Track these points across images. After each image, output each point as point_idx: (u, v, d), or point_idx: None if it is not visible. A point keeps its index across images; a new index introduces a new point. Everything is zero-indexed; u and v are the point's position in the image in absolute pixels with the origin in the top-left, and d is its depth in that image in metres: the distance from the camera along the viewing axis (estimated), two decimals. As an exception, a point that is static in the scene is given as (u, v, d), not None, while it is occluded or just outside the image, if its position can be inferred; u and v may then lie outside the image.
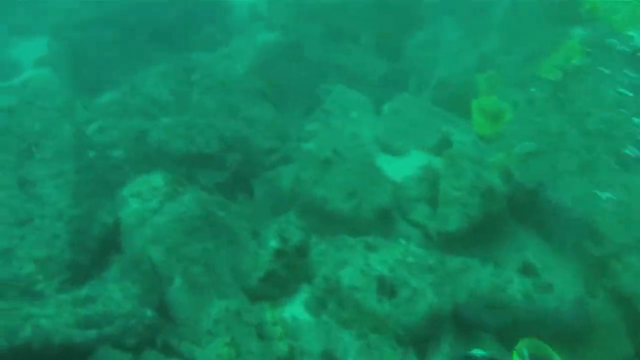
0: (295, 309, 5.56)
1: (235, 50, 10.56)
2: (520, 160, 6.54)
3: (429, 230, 6.27)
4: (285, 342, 5.19)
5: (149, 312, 5.54)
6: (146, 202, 6.57)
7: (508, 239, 6.08)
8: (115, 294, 5.62)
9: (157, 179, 6.90)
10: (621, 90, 6.31)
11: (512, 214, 6.28)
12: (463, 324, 5.41)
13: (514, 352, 3.60)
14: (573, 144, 6.40)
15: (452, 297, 5.37)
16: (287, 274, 5.80)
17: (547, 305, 5.21)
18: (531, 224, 6.25)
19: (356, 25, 10.05)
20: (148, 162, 7.72)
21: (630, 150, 5.83)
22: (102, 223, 6.62)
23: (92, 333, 5.07)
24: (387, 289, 5.26)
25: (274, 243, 5.90)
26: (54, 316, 5.03)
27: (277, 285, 5.72)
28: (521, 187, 6.27)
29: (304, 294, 5.67)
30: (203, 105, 8.77)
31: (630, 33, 6.63)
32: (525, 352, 3.55)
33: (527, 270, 5.67)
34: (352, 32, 10.09)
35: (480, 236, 5.97)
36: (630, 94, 6.15)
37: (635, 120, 5.95)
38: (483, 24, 8.73)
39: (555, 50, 7.34)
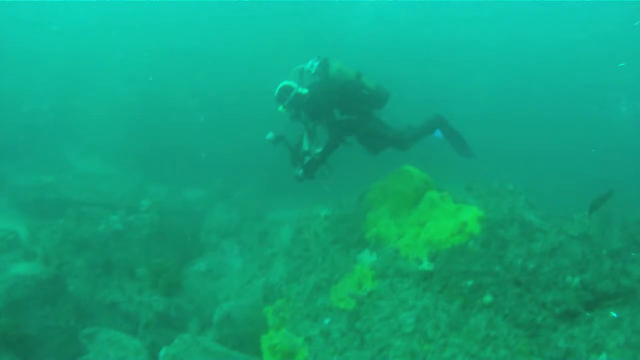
0: None
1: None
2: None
3: None
4: None
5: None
6: None
7: None
8: None
9: None
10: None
11: None
12: None
13: None
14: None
15: None
16: None
17: None
18: None
19: (130, 257, 8.82)
20: None
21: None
22: None
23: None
24: None
25: None
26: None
27: None
28: None
29: None
30: None
31: (418, 256, 6.33)
32: None
33: None
34: (125, 265, 8.73)
35: None
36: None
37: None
38: (268, 251, 8.13)
39: (346, 277, 6.72)
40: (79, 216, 10.01)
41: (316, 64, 7.15)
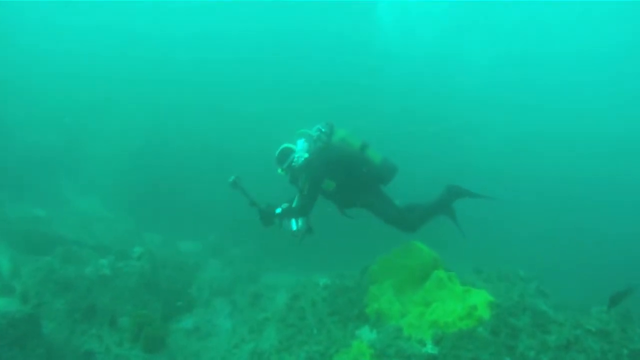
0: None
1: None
2: None
3: None
4: None
5: None
6: None
7: None
8: None
9: None
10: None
11: None
12: None
13: None
14: None
15: None
16: None
17: None
18: None
19: (114, 305, 8.33)
20: None
21: None
22: None
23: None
24: None
25: None
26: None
27: None
28: None
29: None
30: None
31: (422, 337, 5.92)
32: None
33: None
34: (108, 312, 8.23)
35: None
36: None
37: None
38: (261, 315, 7.68)
39: (342, 353, 6.29)
40: (66, 255, 9.60)
41: (322, 129, 6.97)
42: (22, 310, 7.93)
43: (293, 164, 6.93)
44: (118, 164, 14.79)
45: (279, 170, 7.05)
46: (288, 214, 6.84)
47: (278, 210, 6.83)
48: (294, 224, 6.96)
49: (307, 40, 25.44)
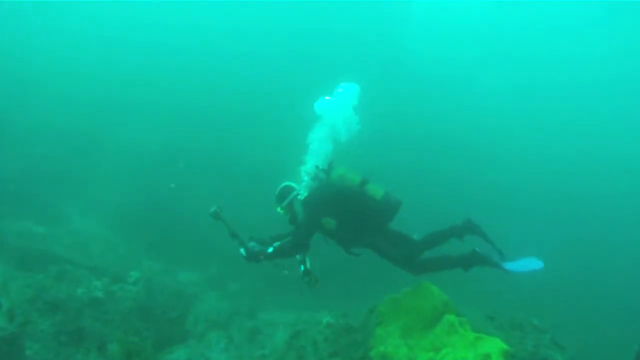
0: None
1: None
2: None
3: None
4: None
5: None
6: None
7: None
8: None
9: None
10: None
11: None
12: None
13: None
14: None
15: None
16: None
17: None
18: None
19: (104, 330, 7.96)
20: None
21: None
22: None
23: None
24: None
25: None
26: None
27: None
28: None
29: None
30: None
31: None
32: None
33: None
34: (97, 337, 7.83)
35: None
36: None
37: None
38: (258, 352, 7.29)
39: (344, 397, 5.85)
40: (60, 274, 9.26)
41: (319, 166, 6.65)
42: (6, 329, 7.55)
43: (292, 202, 6.70)
44: (123, 183, 14.53)
45: (278, 209, 6.81)
46: (279, 253, 6.50)
47: (270, 250, 6.48)
48: (302, 266, 6.66)
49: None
